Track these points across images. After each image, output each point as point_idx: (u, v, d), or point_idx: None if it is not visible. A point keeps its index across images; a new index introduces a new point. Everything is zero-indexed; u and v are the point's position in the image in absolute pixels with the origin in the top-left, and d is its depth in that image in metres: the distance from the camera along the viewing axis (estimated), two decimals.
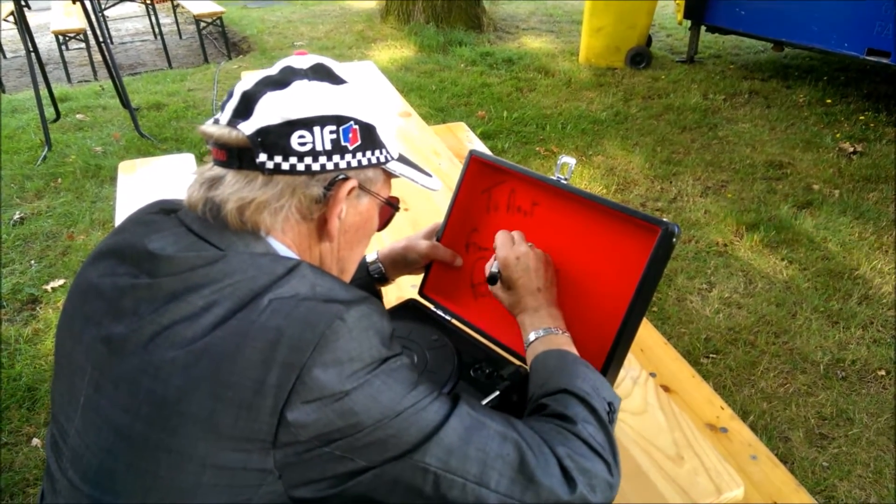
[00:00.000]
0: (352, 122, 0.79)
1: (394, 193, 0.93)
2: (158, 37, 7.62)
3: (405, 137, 2.38)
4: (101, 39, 4.62)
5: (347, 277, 0.92)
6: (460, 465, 0.71)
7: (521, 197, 1.14)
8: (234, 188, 0.77)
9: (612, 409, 0.85)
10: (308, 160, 0.77)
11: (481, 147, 3.14)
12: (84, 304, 0.78)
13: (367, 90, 0.83)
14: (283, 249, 0.79)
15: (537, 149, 4.35)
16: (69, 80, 6.27)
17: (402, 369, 0.73)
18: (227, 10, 7.34)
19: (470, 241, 1.20)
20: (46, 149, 4.32)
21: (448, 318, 1.18)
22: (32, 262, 3.18)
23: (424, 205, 1.86)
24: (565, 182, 1.05)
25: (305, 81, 0.78)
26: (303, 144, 0.76)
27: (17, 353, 2.56)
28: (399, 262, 1.21)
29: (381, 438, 0.68)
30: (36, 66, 4.35)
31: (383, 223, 0.95)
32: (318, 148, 0.77)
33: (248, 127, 0.75)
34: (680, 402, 1.52)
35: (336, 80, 0.81)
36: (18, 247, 3.31)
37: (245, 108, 0.77)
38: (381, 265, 1.19)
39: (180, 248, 0.76)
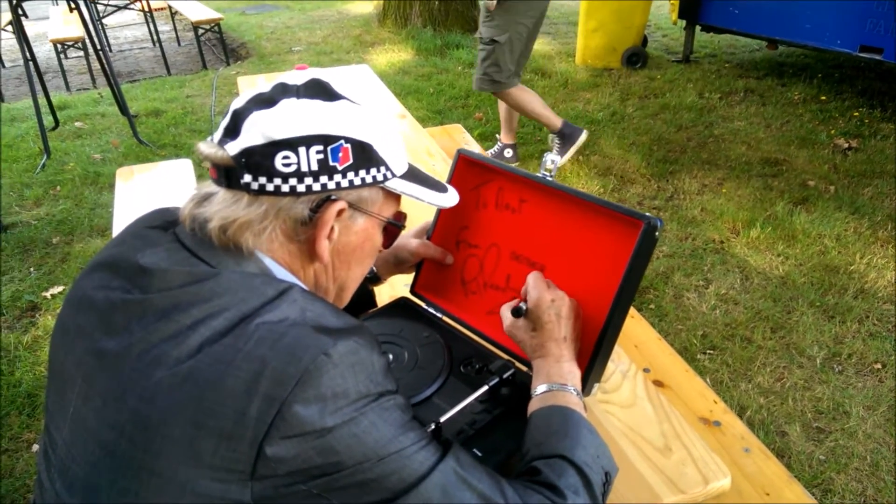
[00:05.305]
0: (342, 141, 0.76)
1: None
2: (157, 44, 7.66)
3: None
4: (99, 47, 4.64)
5: (347, 296, 0.90)
6: None
7: (508, 194, 1.15)
8: (220, 206, 0.76)
9: (608, 480, 0.82)
10: (293, 181, 0.75)
11: (477, 148, 3.15)
12: (77, 314, 0.78)
13: (366, 106, 0.81)
14: (275, 267, 0.78)
15: (534, 150, 4.36)
16: (68, 88, 6.30)
17: (393, 409, 0.70)
18: (225, 16, 7.36)
19: (460, 238, 1.22)
20: (45, 157, 4.35)
21: (439, 315, 1.20)
22: (31, 269, 3.20)
23: (415, 204, 1.87)
24: (550, 179, 1.06)
25: (294, 100, 0.76)
26: (287, 165, 0.74)
27: (16, 359, 2.57)
28: (391, 262, 1.22)
29: (361, 482, 0.67)
30: (34, 75, 4.38)
31: (388, 241, 0.92)
32: (304, 169, 0.75)
33: (233, 147, 0.74)
34: (673, 397, 1.53)
35: (330, 96, 0.78)
36: (17, 254, 3.33)
37: (234, 126, 0.76)
38: (372, 265, 1.20)
39: (172, 264, 0.75)
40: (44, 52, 7.31)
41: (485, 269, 1.17)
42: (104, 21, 8.21)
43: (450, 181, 1.21)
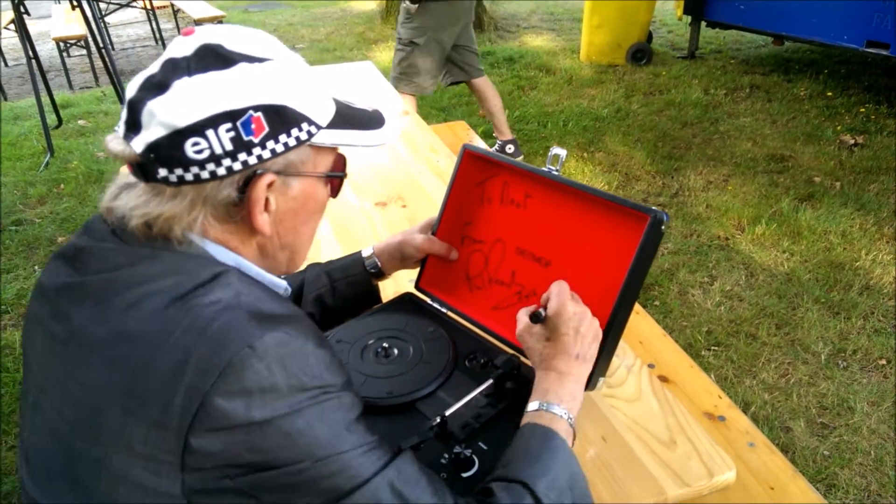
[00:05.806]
0: (251, 112, 0.69)
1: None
2: (159, 42, 7.67)
3: (403, 136, 2.39)
4: (101, 45, 4.64)
5: (301, 259, 0.87)
6: None
7: (514, 189, 1.15)
8: (139, 201, 0.71)
9: None
10: (210, 166, 0.69)
11: (481, 145, 3.15)
12: (36, 304, 0.78)
13: (269, 61, 0.72)
14: (212, 247, 0.74)
15: (539, 146, 4.36)
16: (71, 86, 6.31)
17: (335, 409, 0.67)
18: (227, 14, 7.37)
19: (465, 234, 1.22)
20: (49, 155, 4.36)
21: (444, 310, 1.20)
22: (36, 267, 3.21)
23: (420, 200, 1.88)
24: (556, 173, 1.06)
25: (186, 79, 0.68)
26: (199, 152, 0.68)
27: (21, 357, 2.58)
28: (395, 257, 1.21)
29: (293, 483, 0.64)
30: (37, 74, 4.38)
31: (335, 191, 0.85)
32: (218, 151, 0.69)
33: (138, 143, 0.69)
34: (678, 392, 1.53)
35: (226, 62, 0.70)
36: (22, 252, 3.34)
37: (133, 119, 0.70)
38: (377, 260, 1.20)
39: (108, 247, 0.73)
40: (46, 50, 7.32)
41: (490, 264, 1.17)
42: (106, 19, 8.21)
43: (455, 176, 1.20)
